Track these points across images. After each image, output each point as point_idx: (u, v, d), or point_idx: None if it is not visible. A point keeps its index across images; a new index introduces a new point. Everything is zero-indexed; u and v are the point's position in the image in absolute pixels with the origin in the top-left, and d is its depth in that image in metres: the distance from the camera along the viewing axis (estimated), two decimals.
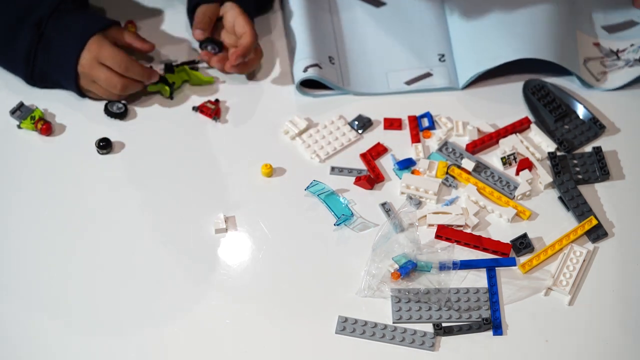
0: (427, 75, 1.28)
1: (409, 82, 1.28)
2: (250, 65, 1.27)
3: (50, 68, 1.22)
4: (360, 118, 1.24)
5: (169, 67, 1.27)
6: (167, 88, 1.25)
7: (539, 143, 1.22)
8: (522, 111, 1.25)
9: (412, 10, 1.36)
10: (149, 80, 1.23)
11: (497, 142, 1.22)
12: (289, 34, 1.32)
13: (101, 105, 1.25)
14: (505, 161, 1.19)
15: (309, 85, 1.27)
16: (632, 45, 1.30)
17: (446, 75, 1.28)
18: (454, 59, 1.29)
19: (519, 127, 1.23)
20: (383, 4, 1.37)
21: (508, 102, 1.26)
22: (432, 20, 1.34)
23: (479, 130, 1.23)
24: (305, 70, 1.24)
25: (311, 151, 1.20)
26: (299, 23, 1.30)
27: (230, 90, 1.28)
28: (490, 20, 1.27)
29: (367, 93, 1.27)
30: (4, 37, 1.21)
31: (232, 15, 1.26)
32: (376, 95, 1.27)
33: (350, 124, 1.23)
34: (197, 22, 1.27)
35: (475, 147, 1.20)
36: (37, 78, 1.24)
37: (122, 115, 1.23)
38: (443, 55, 1.30)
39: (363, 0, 1.37)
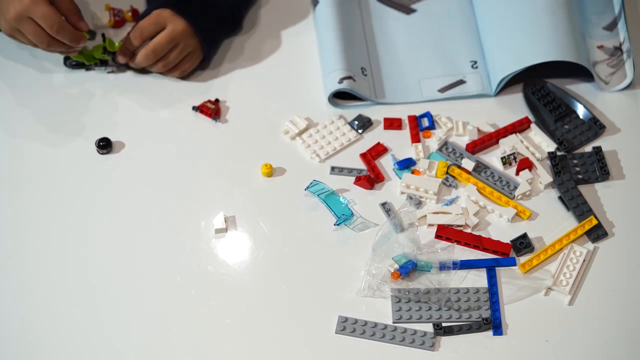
0: (461, 82, 1.27)
1: (442, 90, 1.27)
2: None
3: None
4: (360, 118, 1.24)
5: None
6: (106, 56, 1.27)
7: (539, 143, 1.22)
8: (522, 111, 1.25)
9: (443, 17, 1.35)
10: (77, 45, 1.21)
11: (497, 142, 1.21)
12: (320, 43, 1.31)
13: (101, 106, 1.25)
14: (505, 161, 1.19)
15: (338, 96, 1.26)
16: (626, 30, 1.29)
17: (479, 82, 1.27)
18: (486, 65, 1.28)
19: (519, 127, 1.23)
20: (413, 10, 1.36)
21: (508, 102, 1.26)
22: (464, 27, 1.33)
23: (479, 130, 1.23)
24: (340, 82, 1.23)
25: (311, 151, 1.20)
26: (330, 32, 1.28)
27: (230, 90, 1.28)
28: (515, 25, 1.26)
29: (400, 102, 1.26)
30: None
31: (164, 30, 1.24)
32: (410, 104, 1.26)
33: (350, 124, 1.23)
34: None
35: (475, 147, 1.20)
36: None
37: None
38: (475, 62, 1.29)
39: (394, 8, 1.37)
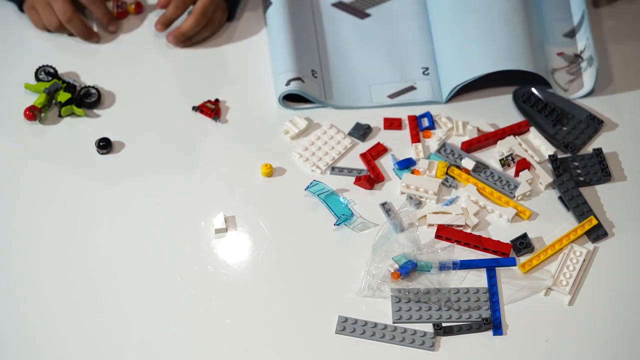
0: (411, 88, 1.27)
1: (392, 96, 1.26)
2: (183, 40, 1.31)
3: None
4: (358, 127, 1.23)
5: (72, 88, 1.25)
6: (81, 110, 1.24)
7: (537, 146, 1.21)
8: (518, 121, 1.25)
9: (397, 23, 1.34)
10: (90, 40, 1.29)
11: (494, 143, 1.21)
12: (271, 45, 1.30)
13: (102, 105, 1.25)
14: (504, 162, 1.19)
15: (292, 98, 1.25)
16: (587, 39, 1.28)
17: (429, 89, 1.27)
18: (437, 71, 1.28)
19: (517, 129, 1.22)
20: (368, 15, 1.36)
21: (502, 114, 1.24)
22: (417, 33, 1.32)
23: (478, 130, 1.22)
24: (287, 83, 1.23)
25: (310, 164, 1.19)
26: (281, 34, 1.28)
27: (231, 90, 1.28)
28: (470, 33, 1.26)
29: (349, 107, 1.26)
30: None
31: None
32: (358, 109, 1.25)
33: (351, 134, 1.23)
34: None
35: (471, 146, 1.20)
36: None
37: (96, 104, 1.25)
38: (427, 69, 1.29)
39: (348, 12, 1.36)
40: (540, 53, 1.28)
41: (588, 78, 1.26)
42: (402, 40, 1.32)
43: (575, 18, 1.32)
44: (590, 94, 1.25)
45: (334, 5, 1.37)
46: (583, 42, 1.29)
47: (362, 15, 1.36)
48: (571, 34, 1.32)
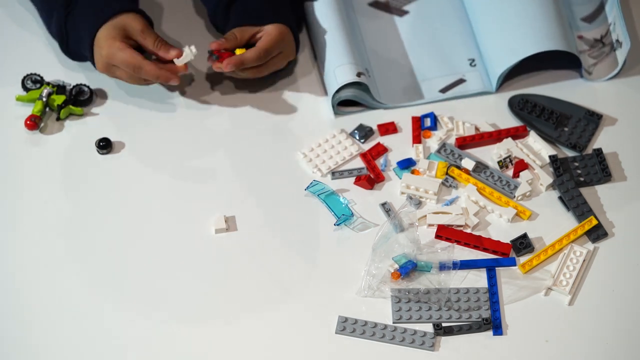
0: (461, 81, 1.27)
1: (443, 90, 1.27)
2: (247, 73, 1.22)
3: (79, 46, 1.22)
4: (361, 128, 1.23)
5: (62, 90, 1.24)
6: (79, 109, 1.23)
7: (538, 150, 1.21)
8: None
9: (437, 17, 1.35)
10: (166, 82, 1.19)
11: (489, 143, 1.21)
12: (322, 47, 1.27)
13: (101, 106, 1.25)
14: (502, 164, 1.18)
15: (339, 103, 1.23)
16: (611, 24, 1.30)
17: (479, 80, 1.27)
18: (483, 61, 1.28)
19: (514, 133, 1.22)
20: (406, 12, 1.36)
21: (503, 114, 1.25)
22: (458, 25, 1.33)
23: (476, 129, 1.22)
24: (358, 75, 1.21)
25: (313, 165, 1.19)
26: (333, 34, 1.26)
27: (232, 91, 1.28)
28: (508, 18, 1.26)
29: (403, 105, 1.25)
30: (46, 15, 1.24)
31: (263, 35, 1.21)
32: (413, 106, 1.25)
33: (352, 134, 1.23)
34: (223, 40, 1.21)
35: (465, 142, 1.20)
36: (74, 55, 1.25)
37: (89, 101, 1.24)
38: (473, 60, 1.29)
39: (386, 11, 1.36)
40: (571, 35, 1.29)
41: (613, 61, 1.27)
42: (444, 34, 1.33)
43: (595, 3, 1.34)
44: (615, 76, 1.27)
45: (371, 5, 1.37)
46: (603, 27, 1.31)
47: (401, 12, 1.36)
48: (588, 18, 1.33)
